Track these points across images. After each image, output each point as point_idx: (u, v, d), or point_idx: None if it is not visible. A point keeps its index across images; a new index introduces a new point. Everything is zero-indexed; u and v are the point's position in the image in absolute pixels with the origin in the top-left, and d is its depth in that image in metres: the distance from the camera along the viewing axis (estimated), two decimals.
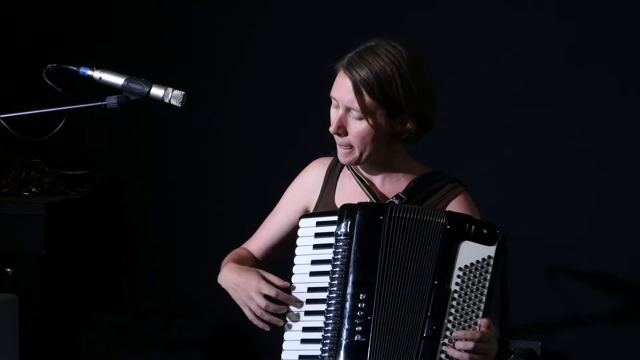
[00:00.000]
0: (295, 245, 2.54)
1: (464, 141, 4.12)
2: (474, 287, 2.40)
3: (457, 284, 2.40)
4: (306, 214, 2.59)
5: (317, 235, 2.51)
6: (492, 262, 2.41)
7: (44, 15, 4.58)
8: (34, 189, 4.31)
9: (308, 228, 2.53)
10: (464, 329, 2.39)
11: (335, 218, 2.49)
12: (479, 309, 2.39)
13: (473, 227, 2.43)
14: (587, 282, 4.03)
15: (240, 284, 2.56)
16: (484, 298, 2.40)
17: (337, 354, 2.41)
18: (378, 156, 2.61)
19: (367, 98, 2.52)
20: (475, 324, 2.40)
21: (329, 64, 2.61)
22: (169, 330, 4.19)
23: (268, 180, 3.53)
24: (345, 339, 2.41)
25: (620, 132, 3.99)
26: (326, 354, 2.42)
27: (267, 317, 2.51)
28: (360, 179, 2.67)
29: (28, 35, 4.60)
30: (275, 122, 4.34)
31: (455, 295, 2.40)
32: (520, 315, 3.96)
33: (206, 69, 4.44)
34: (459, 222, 2.44)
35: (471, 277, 2.40)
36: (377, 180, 2.67)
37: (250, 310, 2.53)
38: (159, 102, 2.51)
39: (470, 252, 2.41)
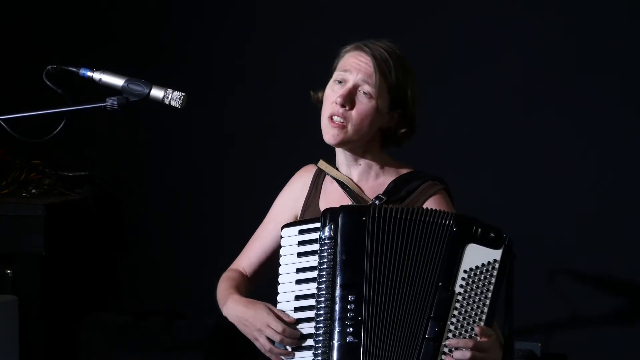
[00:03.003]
0: (280, 256, 2.53)
1: (465, 141, 4.12)
2: (479, 290, 2.39)
3: (461, 286, 2.40)
4: (287, 224, 2.56)
5: (301, 243, 2.50)
6: (497, 265, 2.40)
7: (44, 15, 4.58)
8: (34, 190, 4.31)
9: (291, 237, 2.52)
10: (466, 331, 2.38)
11: (317, 225, 2.47)
12: (482, 312, 2.39)
13: (480, 230, 2.42)
14: (587, 282, 4.03)
15: (248, 318, 2.54)
16: (487, 301, 2.39)
17: (330, 356, 2.40)
18: (361, 144, 2.61)
19: (382, 79, 2.55)
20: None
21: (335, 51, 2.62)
22: (169, 331, 4.19)
23: (268, 181, 3.52)
24: (337, 341, 2.40)
25: (620, 133, 3.99)
26: (319, 358, 2.41)
27: (277, 350, 2.50)
28: (340, 182, 2.66)
29: (28, 35, 4.59)
30: (275, 123, 4.34)
31: (459, 298, 2.39)
32: (520, 315, 3.96)
33: (206, 70, 4.44)
34: (466, 225, 2.43)
35: (476, 280, 2.40)
36: (355, 178, 2.66)
37: (261, 343, 2.52)
38: (159, 103, 2.51)
39: (476, 255, 2.41)
